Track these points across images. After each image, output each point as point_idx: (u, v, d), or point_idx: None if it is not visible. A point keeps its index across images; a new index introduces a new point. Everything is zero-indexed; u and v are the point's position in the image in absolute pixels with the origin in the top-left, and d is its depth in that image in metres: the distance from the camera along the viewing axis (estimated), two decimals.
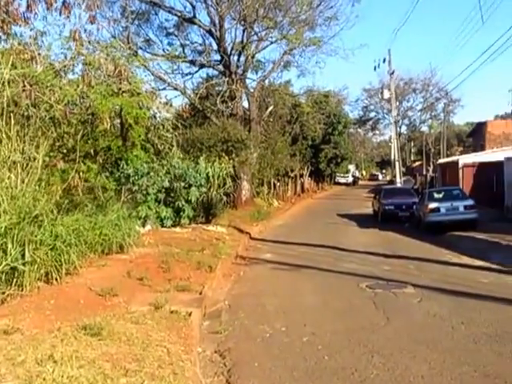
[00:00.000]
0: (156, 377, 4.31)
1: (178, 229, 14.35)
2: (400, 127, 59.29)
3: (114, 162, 13.30)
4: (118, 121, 12.57)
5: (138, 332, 5.44)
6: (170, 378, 4.34)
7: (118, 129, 12.88)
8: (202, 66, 26.70)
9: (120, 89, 11.16)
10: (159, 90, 21.86)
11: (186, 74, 27.09)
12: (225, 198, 18.22)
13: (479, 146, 38.06)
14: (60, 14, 8.03)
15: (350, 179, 66.67)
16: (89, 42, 9.27)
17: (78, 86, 9.47)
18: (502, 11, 68.57)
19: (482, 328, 6.18)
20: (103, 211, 9.91)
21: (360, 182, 72.01)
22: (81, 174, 10.00)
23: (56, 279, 6.90)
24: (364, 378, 4.81)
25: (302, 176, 42.16)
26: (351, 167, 68.86)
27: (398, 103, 50.91)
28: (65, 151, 10.76)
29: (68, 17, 8.05)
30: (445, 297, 7.77)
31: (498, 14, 75.02)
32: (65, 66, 9.94)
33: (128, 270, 8.33)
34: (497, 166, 21.57)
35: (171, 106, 13.60)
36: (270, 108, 29.23)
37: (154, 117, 13.52)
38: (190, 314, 6.37)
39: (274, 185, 32.73)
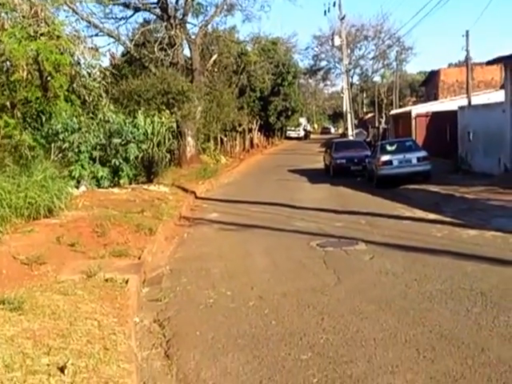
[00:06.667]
0: (83, 354, 3.89)
1: (116, 189, 13.45)
2: (352, 77, 58.15)
3: (35, 115, 11.94)
4: (37, 68, 11.19)
5: (66, 304, 4.98)
6: (99, 354, 3.91)
7: (38, 78, 11.51)
8: (137, 9, 24.67)
9: (37, 32, 9.80)
10: (90, 36, 20.01)
11: (120, 19, 25.06)
12: (168, 156, 17.24)
13: (432, 96, 37.36)
14: None
15: (302, 133, 65.60)
16: None
17: None
18: None
19: (436, 285, 5.92)
20: (28, 171, 8.95)
21: (312, 136, 71.31)
22: None
23: None
24: (313, 343, 4.50)
25: (250, 130, 41.30)
26: (302, 120, 68.22)
27: (349, 51, 49.68)
28: None
29: None
30: (398, 253, 7.49)
31: None
32: None
33: (58, 235, 7.68)
34: (450, 116, 21.23)
35: (97, 50, 12.21)
36: (215, 56, 27.62)
37: (79, 63, 12.14)
38: (126, 282, 5.94)
39: (222, 140, 31.86)
